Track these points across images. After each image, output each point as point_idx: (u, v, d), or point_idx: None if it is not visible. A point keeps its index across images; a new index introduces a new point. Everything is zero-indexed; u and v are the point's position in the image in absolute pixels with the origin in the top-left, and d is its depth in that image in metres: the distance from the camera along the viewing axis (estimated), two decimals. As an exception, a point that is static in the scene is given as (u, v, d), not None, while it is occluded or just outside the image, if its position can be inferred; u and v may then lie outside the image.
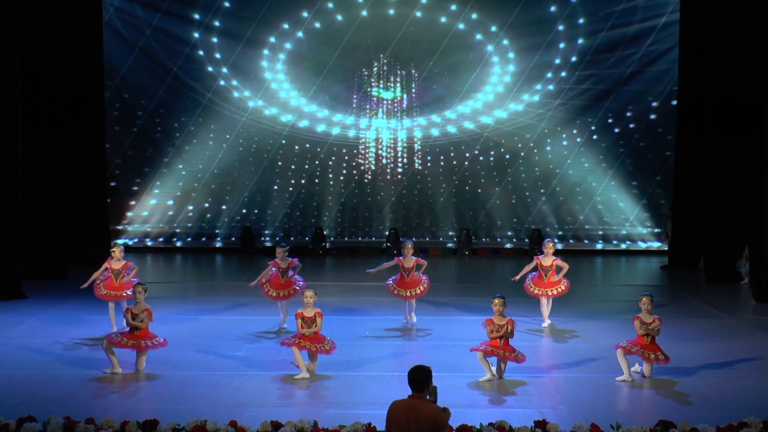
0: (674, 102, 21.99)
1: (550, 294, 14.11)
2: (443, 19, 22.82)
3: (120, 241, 23.05)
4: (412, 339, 13.30)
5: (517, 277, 14.49)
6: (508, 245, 23.50)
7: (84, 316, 14.57)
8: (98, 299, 13.64)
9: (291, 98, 23.20)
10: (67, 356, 12.04)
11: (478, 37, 22.90)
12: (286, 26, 22.82)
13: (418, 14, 22.82)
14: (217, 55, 22.89)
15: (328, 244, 23.17)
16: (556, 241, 19.36)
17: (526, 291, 14.30)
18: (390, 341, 12.98)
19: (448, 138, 23.39)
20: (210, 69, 22.93)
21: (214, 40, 22.83)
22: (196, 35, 22.74)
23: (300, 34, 22.87)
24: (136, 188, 23.28)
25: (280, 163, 23.48)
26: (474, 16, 22.74)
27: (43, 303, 15.76)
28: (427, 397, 7.03)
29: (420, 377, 6.97)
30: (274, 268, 13.80)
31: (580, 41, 22.74)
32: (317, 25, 22.90)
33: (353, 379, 11.02)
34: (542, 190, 23.42)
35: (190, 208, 23.44)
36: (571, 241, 23.44)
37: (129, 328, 11.25)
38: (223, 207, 23.52)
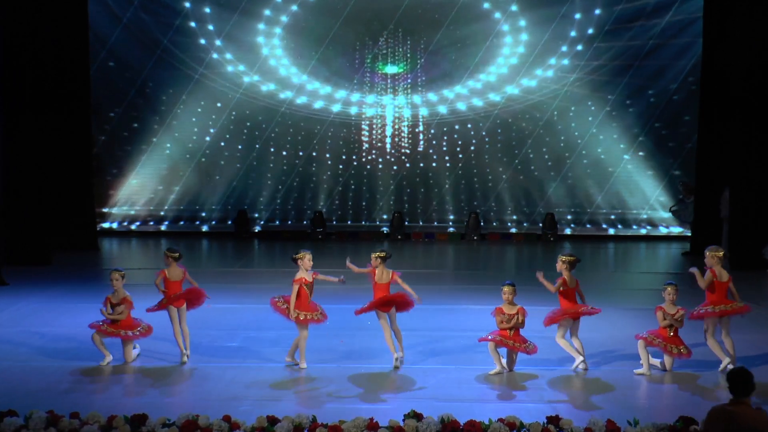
0: (692, 78, 21.93)
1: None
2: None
3: (105, 225, 23.08)
4: (418, 329, 13.28)
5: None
6: (514, 230, 23.47)
7: (68, 304, 14.57)
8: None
9: (288, 73, 23.15)
10: (50, 347, 12.03)
11: (488, 7, 22.81)
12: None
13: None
14: (210, 27, 22.83)
15: (327, 229, 23.15)
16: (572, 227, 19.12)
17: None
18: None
19: (455, 116, 23.34)
20: (202, 41, 22.88)
21: (207, 9, 22.76)
22: (187, 4, 22.66)
23: (298, 3, 22.78)
24: (122, 168, 23.26)
25: (276, 142, 23.45)
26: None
27: (25, 291, 15.76)
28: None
29: (743, 380, 7.14)
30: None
31: (597, 12, 22.65)
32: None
33: (354, 371, 11.03)
34: (556, 172, 23.37)
35: (180, 189, 23.41)
36: (587, 225, 23.43)
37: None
38: (216, 188, 23.50)
